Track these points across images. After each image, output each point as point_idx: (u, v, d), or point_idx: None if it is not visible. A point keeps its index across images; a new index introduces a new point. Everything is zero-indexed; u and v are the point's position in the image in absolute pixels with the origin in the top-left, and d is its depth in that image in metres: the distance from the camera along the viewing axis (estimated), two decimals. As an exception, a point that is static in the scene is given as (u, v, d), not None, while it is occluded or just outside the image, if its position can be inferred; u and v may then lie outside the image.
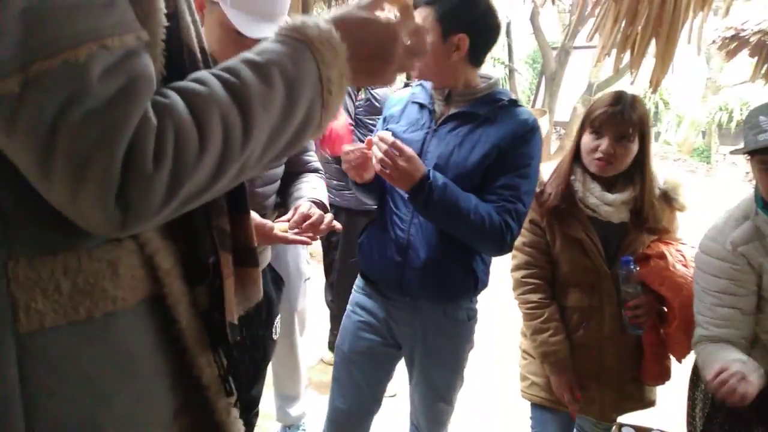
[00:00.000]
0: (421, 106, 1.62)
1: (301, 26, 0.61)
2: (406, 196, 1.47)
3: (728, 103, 12.65)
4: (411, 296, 1.60)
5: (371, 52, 0.66)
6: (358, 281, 1.79)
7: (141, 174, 0.47)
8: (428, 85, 1.61)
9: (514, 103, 1.56)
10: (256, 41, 1.46)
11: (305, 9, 7.23)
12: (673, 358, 1.76)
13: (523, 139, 1.48)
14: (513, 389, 1.97)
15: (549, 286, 1.74)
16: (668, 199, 1.70)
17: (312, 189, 1.63)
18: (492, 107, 1.53)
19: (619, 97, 1.62)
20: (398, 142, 1.39)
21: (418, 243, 1.55)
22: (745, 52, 3.61)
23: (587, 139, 1.64)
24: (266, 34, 1.28)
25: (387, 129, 1.64)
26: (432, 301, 1.61)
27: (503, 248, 1.47)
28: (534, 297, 1.72)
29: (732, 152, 1.44)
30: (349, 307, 1.80)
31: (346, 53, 0.63)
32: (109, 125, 0.45)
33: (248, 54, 0.59)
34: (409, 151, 1.39)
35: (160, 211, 0.50)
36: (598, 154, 1.60)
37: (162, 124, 0.48)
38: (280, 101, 0.57)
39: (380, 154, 1.39)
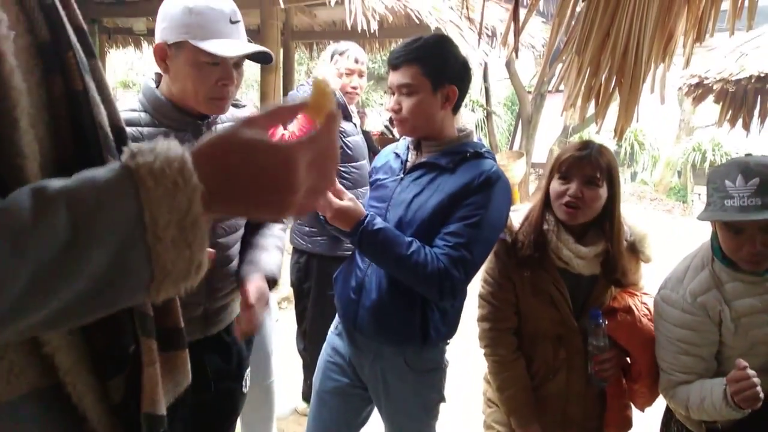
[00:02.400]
0: (397, 155, 1.69)
1: (137, 151, 0.48)
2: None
3: (701, 144, 12.96)
4: (365, 336, 1.63)
5: (255, 183, 0.51)
6: (336, 319, 1.81)
7: None
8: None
9: (478, 156, 1.57)
10: (238, 65, 1.43)
11: (287, 53, 7.34)
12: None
13: (477, 189, 1.50)
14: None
15: (516, 337, 1.72)
16: (635, 250, 1.70)
17: (267, 257, 1.58)
18: (455, 158, 1.55)
19: (586, 143, 1.65)
20: (340, 187, 1.49)
21: (371, 283, 1.59)
22: (711, 98, 3.71)
23: (555, 185, 1.64)
24: (244, 49, 1.33)
25: (375, 178, 1.74)
26: (382, 343, 1.62)
27: (443, 295, 1.47)
28: (501, 350, 1.70)
29: (699, 218, 1.46)
30: (324, 345, 1.83)
31: (198, 187, 0.48)
32: None
33: (47, 180, 0.46)
34: (348, 195, 1.49)
35: None
36: (566, 198, 1.60)
37: None
38: (61, 243, 0.43)
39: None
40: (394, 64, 1.54)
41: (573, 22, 2.05)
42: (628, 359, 1.69)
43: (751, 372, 1.33)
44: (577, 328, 1.65)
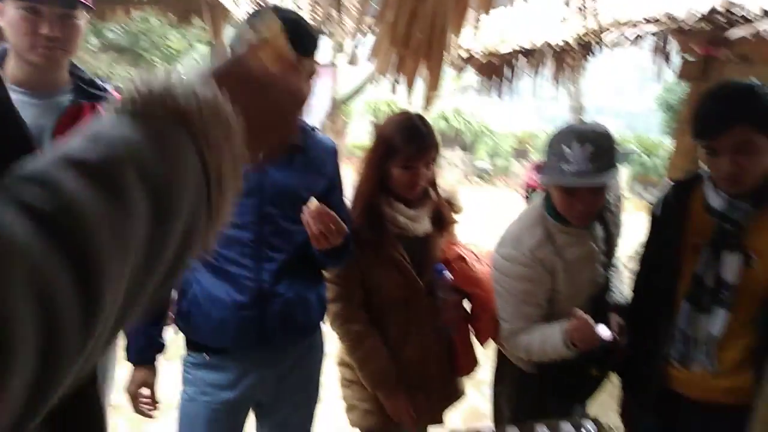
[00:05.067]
0: None
1: (164, 93, 0.39)
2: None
3: (444, 111, 14.61)
4: (275, 342, 1.52)
5: (270, 118, 0.48)
6: (189, 358, 1.56)
7: None
8: None
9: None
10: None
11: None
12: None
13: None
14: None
15: (366, 313, 1.74)
16: (450, 203, 1.85)
17: None
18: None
19: (417, 130, 1.66)
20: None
21: (278, 285, 1.48)
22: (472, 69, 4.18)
23: (399, 173, 1.66)
24: None
25: None
26: (295, 341, 1.58)
27: None
28: (355, 326, 1.70)
29: (541, 182, 1.63)
30: (187, 393, 1.56)
31: (240, 126, 0.43)
32: None
33: (75, 146, 0.34)
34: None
35: None
36: (419, 186, 1.67)
37: None
38: (143, 227, 0.34)
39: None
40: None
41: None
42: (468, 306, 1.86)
43: (587, 317, 1.54)
44: (422, 287, 1.73)
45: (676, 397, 1.61)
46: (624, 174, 11.23)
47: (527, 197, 5.66)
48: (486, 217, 5.99)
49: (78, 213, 0.30)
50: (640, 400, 1.72)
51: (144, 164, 0.35)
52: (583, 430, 1.54)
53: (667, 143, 11.38)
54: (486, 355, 1.98)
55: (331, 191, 1.57)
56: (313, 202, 1.36)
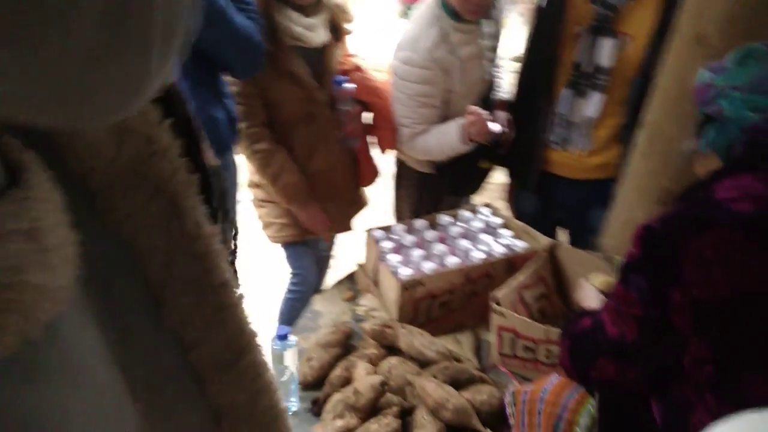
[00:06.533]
0: None
1: None
2: None
3: None
4: None
5: None
6: None
7: None
8: None
9: None
10: None
11: None
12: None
13: None
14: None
15: (271, 130, 1.71)
16: (341, 12, 1.78)
17: None
18: None
19: None
20: None
21: None
22: None
23: None
24: None
25: None
26: None
27: None
28: (261, 146, 1.68)
29: None
30: None
31: None
32: None
33: None
34: None
35: None
36: None
37: None
38: None
39: None
40: None
41: None
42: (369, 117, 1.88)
43: (483, 112, 1.62)
44: (324, 100, 1.71)
45: (555, 178, 1.82)
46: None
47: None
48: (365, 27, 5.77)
49: None
50: (523, 183, 1.93)
51: None
52: (479, 213, 1.72)
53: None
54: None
55: None
56: None
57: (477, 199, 2.11)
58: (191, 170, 0.41)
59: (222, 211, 0.51)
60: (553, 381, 1.01)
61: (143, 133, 0.38)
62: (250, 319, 0.47)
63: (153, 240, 0.39)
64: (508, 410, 1.06)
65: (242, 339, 0.46)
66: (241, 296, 0.46)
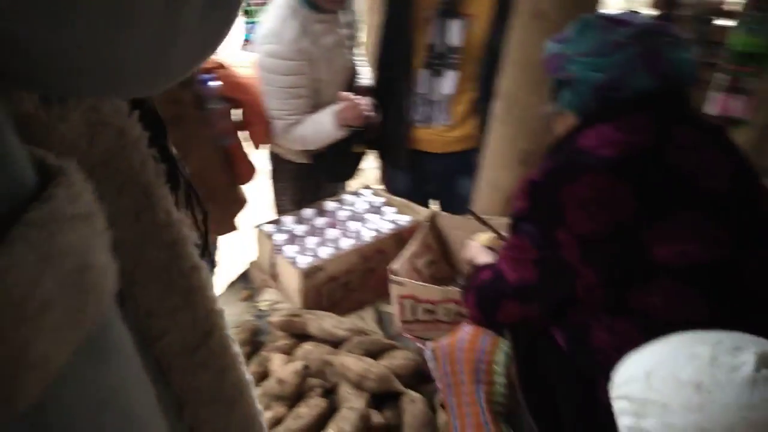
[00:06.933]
0: None
1: None
2: None
3: None
4: None
5: None
6: None
7: None
8: None
9: None
10: None
11: None
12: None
13: None
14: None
15: None
16: None
17: None
18: None
19: None
20: None
21: None
22: None
23: None
24: None
25: None
26: None
27: None
28: None
29: None
30: None
31: None
32: None
33: None
34: None
35: None
36: None
37: None
38: None
39: None
40: None
41: None
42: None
43: (354, 96, 1.68)
44: (190, 100, 1.66)
45: (422, 154, 1.95)
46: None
47: None
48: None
49: None
50: (394, 163, 2.04)
51: None
52: (361, 195, 1.80)
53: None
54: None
55: None
56: None
57: (353, 184, 2.18)
58: (158, 160, 0.42)
59: (194, 195, 0.52)
60: (467, 331, 1.11)
61: (116, 126, 0.38)
62: (216, 298, 0.48)
63: (122, 233, 0.38)
64: (431, 365, 1.14)
65: (211, 318, 0.47)
66: (210, 276, 0.47)
